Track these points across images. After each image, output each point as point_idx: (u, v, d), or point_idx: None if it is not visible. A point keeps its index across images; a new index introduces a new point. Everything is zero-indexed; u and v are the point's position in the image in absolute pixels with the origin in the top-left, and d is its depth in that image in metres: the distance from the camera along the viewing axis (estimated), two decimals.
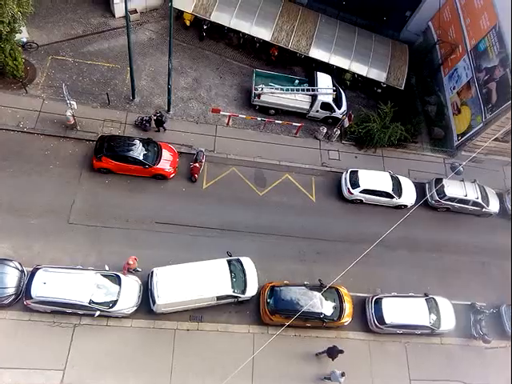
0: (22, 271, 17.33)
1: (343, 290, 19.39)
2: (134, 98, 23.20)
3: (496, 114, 22.48)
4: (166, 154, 21.31)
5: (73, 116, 20.95)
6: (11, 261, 17.29)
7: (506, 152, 25.22)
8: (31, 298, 16.47)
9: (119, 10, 24.56)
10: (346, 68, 25.66)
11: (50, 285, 16.48)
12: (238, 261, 18.81)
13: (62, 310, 16.83)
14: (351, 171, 23.12)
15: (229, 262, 18.48)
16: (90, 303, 16.50)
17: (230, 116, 23.65)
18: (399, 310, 19.16)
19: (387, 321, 18.90)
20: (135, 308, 17.48)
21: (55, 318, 17.03)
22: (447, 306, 20.07)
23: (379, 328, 19.14)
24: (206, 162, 22.14)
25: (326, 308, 18.55)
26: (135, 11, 25.24)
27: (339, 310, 18.76)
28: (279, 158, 23.45)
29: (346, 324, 19.08)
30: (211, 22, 24.98)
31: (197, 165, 21.48)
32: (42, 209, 19.39)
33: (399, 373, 19.00)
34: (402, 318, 19.02)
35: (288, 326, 16.70)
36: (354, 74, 25.92)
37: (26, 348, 16.36)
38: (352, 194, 22.57)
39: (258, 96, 24.03)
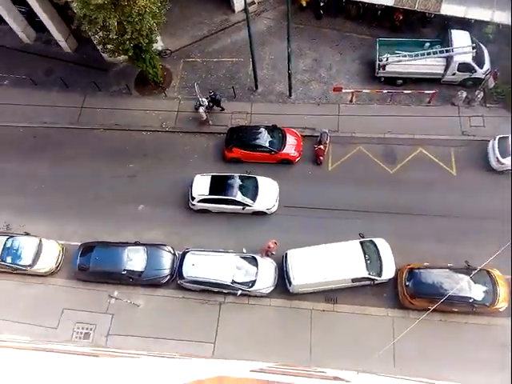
0: (174, 254, 19.69)
1: (496, 273, 17.19)
2: (256, 88, 24.01)
3: None
4: (290, 139, 21.62)
5: (205, 112, 22.71)
6: (165, 245, 19.78)
7: None
8: (183, 277, 18.63)
9: (239, 4, 25.55)
10: (488, 19, 22.16)
11: (197, 266, 18.41)
12: (372, 242, 18.19)
13: (209, 289, 18.67)
14: (500, 138, 20.12)
15: (361, 243, 18.00)
16: (232, 283, 17.94)
17: (353, 93, 22.72)
18: None
19: None
20: (272, 288, 18.39)
21: (204, 296, 18.98)
22: None
23: None
24: (330, 142, 21.77)
25: (476, 292, 16.71)
26: (253, 2, 25.90)
27: (492, 294, 16.72)
28: (411, 131, 21.70)
29: (501, 310, 16.94)
30: None
31: (321, 147, 21.27)
32: (175, 199, 21.46)
33: None
34: None
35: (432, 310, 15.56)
36: (498, 25, 22.28)
37: (182, 321, 18.59)
38: (502, 163, 19.67)
39: (383, 67, 22.50)
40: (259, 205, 20.05)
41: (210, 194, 20.13)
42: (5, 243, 19.55)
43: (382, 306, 18.16)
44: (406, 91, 22.24)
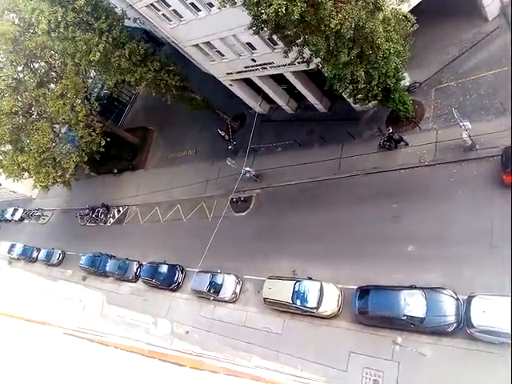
0: (457, 299, 17.63)
1: None
2: None
3: None
4: None
5: (469, 136, 20.44)
6: (445, 289, 18.03)
7: None
8: (473, 326, 16.30)
9: (492, 10, 22.64)
10: None
11: (489, 313, 15.81)
12: None
13: None
14: None
15: None
16: None
17: None
18: None
19: None
20: None
21: (507, 351, 15.89)
22: None
23: None
24: None
25: None
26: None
27: None
28: None
29: None
30: None
31: None
32: (460, 234, 19.41)
33: None
34: None
35: None
36: None
37: (478, 380, 16.04)
38: None
39: None
40: None
41: None
42: (293, 287, 22.21)
43: None
44: None
